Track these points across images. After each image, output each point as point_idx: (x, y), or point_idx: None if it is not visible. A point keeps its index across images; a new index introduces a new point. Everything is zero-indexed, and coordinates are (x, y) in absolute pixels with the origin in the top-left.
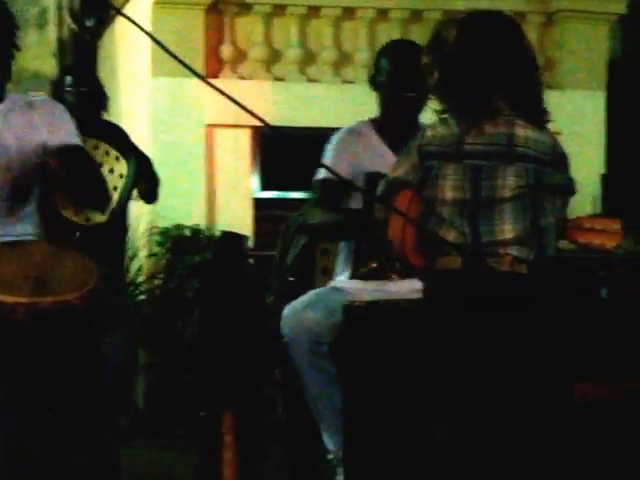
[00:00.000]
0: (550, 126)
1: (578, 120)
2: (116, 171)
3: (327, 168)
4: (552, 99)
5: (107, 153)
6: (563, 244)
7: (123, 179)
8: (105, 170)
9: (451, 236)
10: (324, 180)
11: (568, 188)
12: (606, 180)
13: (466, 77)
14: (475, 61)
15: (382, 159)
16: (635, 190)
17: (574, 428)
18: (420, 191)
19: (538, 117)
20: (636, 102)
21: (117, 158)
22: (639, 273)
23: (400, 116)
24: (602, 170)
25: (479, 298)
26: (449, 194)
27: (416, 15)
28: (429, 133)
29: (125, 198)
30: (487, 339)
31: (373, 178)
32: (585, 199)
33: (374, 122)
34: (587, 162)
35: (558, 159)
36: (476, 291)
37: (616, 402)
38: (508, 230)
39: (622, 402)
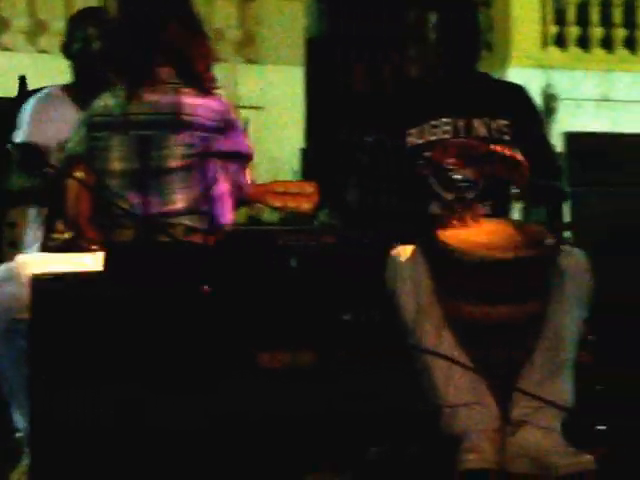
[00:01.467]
0: (252, 101)
1: (278, 95)
2: None
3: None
4: (252, 73)
5: None
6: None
7: None
8: None
9: (122, 208)
10: (22, 144)
11: (240, 154)
12: (305, 154)
13: (127, 46)
14: (136, 30)
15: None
16: (331, 165)
17: (258, 395)
18: (90, 163)
19: (206, 84)
20: (333, 78)
21: None
22: (329, 244)
23: (93, 83)
24: (302, 145)
25: (153, 269)
26: (117, 165)
27: None
28: (97, 103)
29: None
30: (165, 310)
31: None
32: (286, 173)
33: (67, 89)
34: (287, 137)
35: (228, 126)
36: (150, 262)
37: (299, 369)
38: (179, 200)
39: (305, 369)
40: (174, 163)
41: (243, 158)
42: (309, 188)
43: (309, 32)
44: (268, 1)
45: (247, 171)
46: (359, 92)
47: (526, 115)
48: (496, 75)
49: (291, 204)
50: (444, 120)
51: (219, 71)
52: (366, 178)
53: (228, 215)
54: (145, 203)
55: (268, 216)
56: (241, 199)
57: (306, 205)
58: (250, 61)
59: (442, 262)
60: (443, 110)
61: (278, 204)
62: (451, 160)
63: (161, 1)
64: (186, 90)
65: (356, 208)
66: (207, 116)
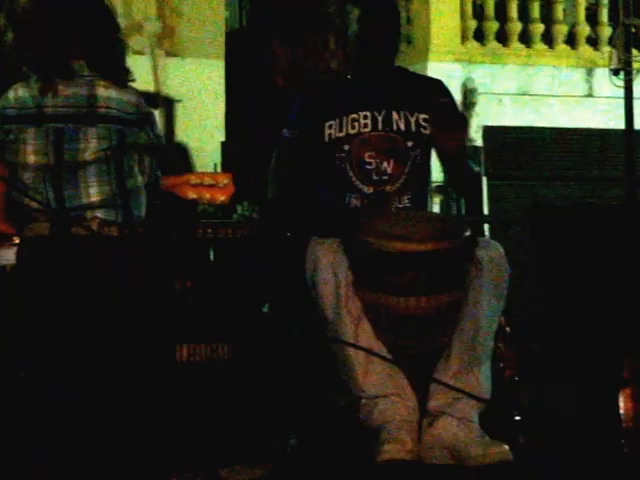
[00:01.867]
0: (172, 94)
1: (199, 88)
2: None
3: None
4: (172, 66)
5: None
6: None
7: None
8: None
9: (36, 202)
10: None
11: (155, 146)
12: (225, 147)
13: (40, 39)
14: (49, 23)
15: None
16: (250, 157)
17: (175, 388)
18: (2, 155)
19: (120, 77)
20: (252, 72)
21: None
22: (248, 237)
23: (5, 75)
24: (222, 138)
25: (68, 262)
26: (31, 158)
27: None
28: (10, 95)
29: None
30: (80, 302)
31: None
32: (207, 166)
33: None
34: (208, 130)
35: (143, 118)
36: (65, 255)
37: (217, 362)
38: (93, 193)
39: (222, 362)
40: (89, 156)
41: (158, 151)
42: (224, 180)
43: (229, 25)
44: None
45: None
46: (279, 85)
47: (445, 109)
48: (416, 69)
49: (206, 196)
50: (363, 113)
51: (138, 63)
52: (286, 171)
53: (143, 207)
54: (60, 196)
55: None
56: (156, 192)
57: (221, 197)
58: (170, 54)
59: (361, 254)
60: (362, 103)
61: (193, 196)
62: (369, 153)
63: None
64: (101, 83)
65: (276, 201)
66: (122, 109)
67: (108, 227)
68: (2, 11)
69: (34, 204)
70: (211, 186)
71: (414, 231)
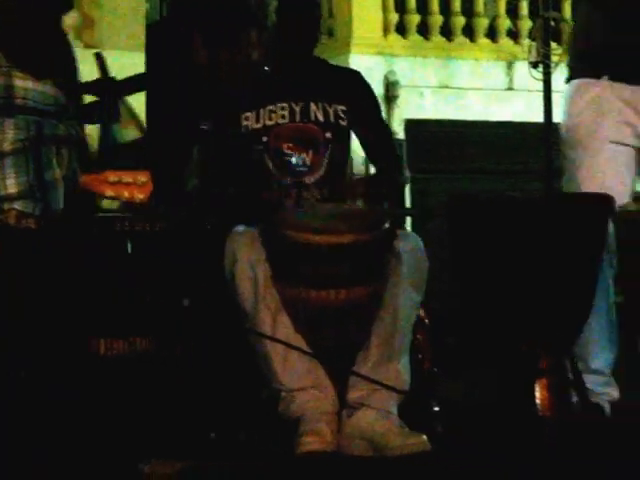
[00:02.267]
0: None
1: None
2: None
3: None
4: (91, 58)
5: None
6: None
7: None
8: None
9: None
10: None
11: (74, 139)
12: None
13: None
14: None
15: None
16: (170, 152)
17: (93, 383)
18: None
19: (39, 68)
20: (172, 65)
21: None
22: (166, 230)
23: None
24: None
25: None
26: None
27: None
28: None
29: None
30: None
31: None
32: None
33: None
34: None
35: (63, 110)
36: None
37: (136, 356)
38: (11, 185)
39: (142, 356)
40: (7, 147)
41: (77, 144)
42: (142, 178)
43: (149, 18)
44: None
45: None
46: (198, 78)
47: (363, 101)
48: (338, 61)
49: (125, 194)
50: (281, 105)
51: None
52: (204, 165)
53: (60, 200)
54: None
55: (107, 203)
56: (74, 187)
57: (140, 195)
58: (88, 46)
59: (279, 247)
60: (280, 95)
61: (111, 194)
62: (287, 145)
63: None
64: (19, 74)
65: (195, 195)
66: (40, 100)
67: (26, 219)
68: None
69: None
70: (130, 184)
71: (333, 223)
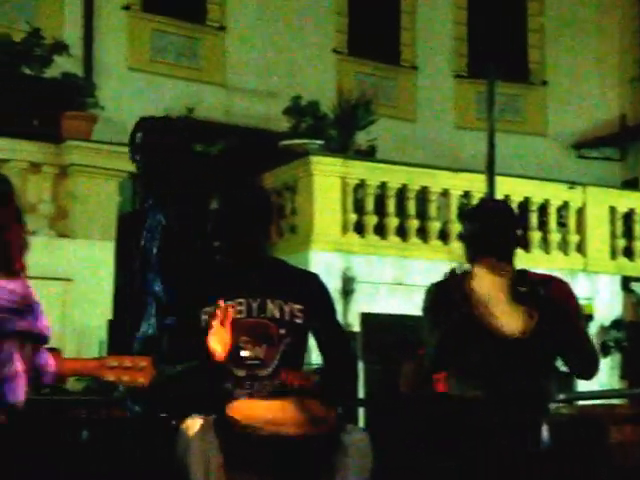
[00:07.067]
0: (62, 273)
1: (89, 268)
2: None
3: None
4: (65, 247)
5: None
6: None
7: None
8: None
9: None
10: None
11: (36, 335)
12: (112, 325)
13: None
14: None
15: None
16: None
17: None
18: None
19: (14, 269)
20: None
21: None
22: (120, 417)
23: None
24: (109, 316)
25: None
26: None
27: None
28: None
29: None
30: None
31: None
32: (93, 343)
33: None
34: (96, 308)
35: (26, 308)
36: None
37: None
38: None
39: None
40: None
41: (39, 339)
42: (142, 362)
43: (121, 209)
44: (82, 178)
45: (55, 353)
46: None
47: (319, 302)
48: (299, 257)
49: (125, 378)
50: (239, 300)
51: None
52: (167, 357)
53: (20, 393)
54: None
55: (72, 385)
56: (51, 376)
57: (141, 379)
58: (62, 235)
59: (231, 437)
60: (238, 291)
61: (112, 378)
62: (243, 338)
63: None
64: None
65: (157, 388)
66: (4, 297)
67: None
68: None
69: None
70: (129, 368)
71: (282, 415)
